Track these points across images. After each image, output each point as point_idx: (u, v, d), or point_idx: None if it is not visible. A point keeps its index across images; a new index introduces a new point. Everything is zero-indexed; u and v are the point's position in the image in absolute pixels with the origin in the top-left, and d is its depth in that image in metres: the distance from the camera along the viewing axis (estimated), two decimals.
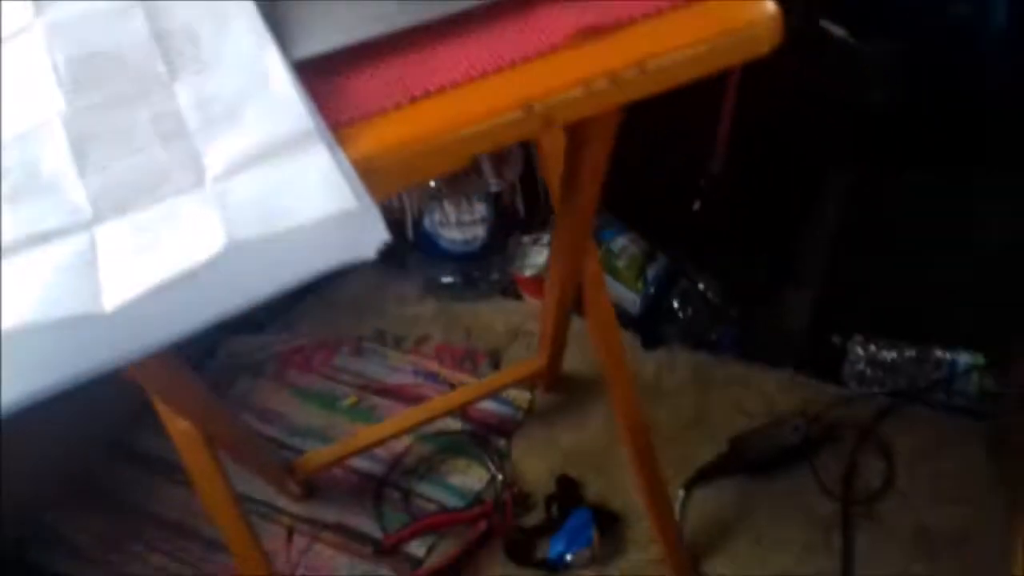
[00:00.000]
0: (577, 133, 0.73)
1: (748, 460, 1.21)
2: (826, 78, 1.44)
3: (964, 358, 1.22)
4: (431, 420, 1.19)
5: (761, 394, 1.31)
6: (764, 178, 1.42)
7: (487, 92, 0.45)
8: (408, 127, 0.44)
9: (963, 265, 1.34)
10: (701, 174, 1.37)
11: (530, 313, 1.41)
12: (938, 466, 1.17)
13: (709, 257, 1.43)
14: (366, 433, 1.16)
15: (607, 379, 1.07)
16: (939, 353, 1.26)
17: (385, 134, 0.44)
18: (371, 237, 0.39)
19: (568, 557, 1.11)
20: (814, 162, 1.49)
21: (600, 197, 0.81)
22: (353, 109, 0.44)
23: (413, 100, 0.45)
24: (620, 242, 1.42)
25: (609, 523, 1.16)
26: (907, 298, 1.35)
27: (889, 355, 1.28)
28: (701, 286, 1.39)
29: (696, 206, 1.35)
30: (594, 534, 1.13)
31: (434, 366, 1.35)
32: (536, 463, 1.24)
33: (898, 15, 1.51)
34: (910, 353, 1.27)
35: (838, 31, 1.37)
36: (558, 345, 1.21)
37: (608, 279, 1.40)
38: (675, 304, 1.39)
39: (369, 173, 0.42)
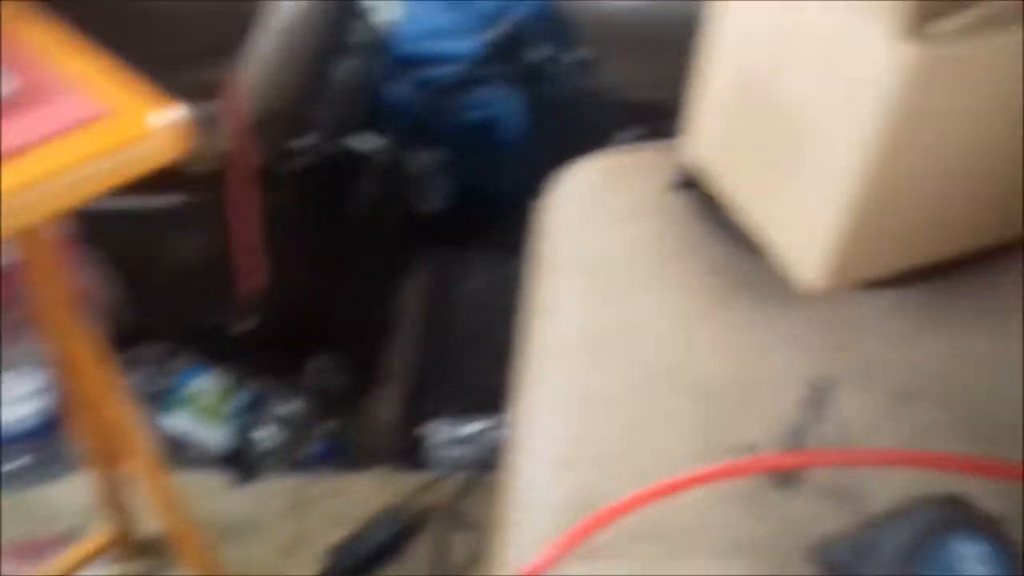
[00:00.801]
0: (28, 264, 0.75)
1: (346, 569, 1.22)
2: (371, 190, 1.52)
3: None
4: None
5: (358, 500, 1.32)
6: (322, 287, 1.46)
7: None
8: None
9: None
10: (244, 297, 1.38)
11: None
12: None
13: (291, 375, 1.44)
14: None
15: (168, 530, 1.03)
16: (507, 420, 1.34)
17: None
18: None
19: None
20: (377, 265, 1.56)
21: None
22: None
23: None
24: (199, 382, 1.40)
25: None
26: (480, 374, 1.45)
27: (464, 431, 1.35)
28: (286, 407, 1.40)
29: (249, 326, 1.36)
30: None
31: (8, 567, 1.24)
32: None
33: (432, 128, 1.65)
34: (480, 426, 1.34)
35: (372, 146, 1.46)
36: (120, 506, 1.16)
37: (195, 422, 1.38)
38: (263, 432, 1.38)
39: None
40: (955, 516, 0.45)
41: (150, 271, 1.29)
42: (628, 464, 0.58)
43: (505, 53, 1.51)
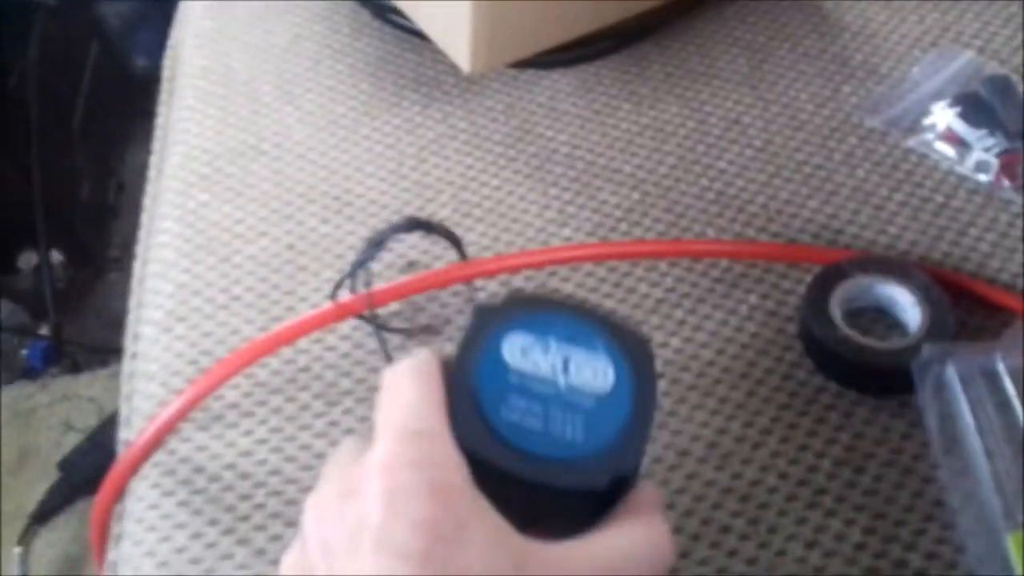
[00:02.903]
0: None
1: (82, 480, 1.09)
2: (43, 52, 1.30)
3: None
4: None
5: (90, 403, 1.19)
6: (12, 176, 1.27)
7: None
8: None
9: None
10: None
11: None
12: None
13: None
14: None
15: None
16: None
17: None
18: None
19: None
20: (89, 140, 1.38)
21: None
22: None
23: None
24: None
25: None
26: None
27: None
28: None
29: None
30: None
31: None
32: None
33: None
34: None
35: None
36: None
37: None
38: None
39: None
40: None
41: None
42: (257, 309, 0.48)
43: None
